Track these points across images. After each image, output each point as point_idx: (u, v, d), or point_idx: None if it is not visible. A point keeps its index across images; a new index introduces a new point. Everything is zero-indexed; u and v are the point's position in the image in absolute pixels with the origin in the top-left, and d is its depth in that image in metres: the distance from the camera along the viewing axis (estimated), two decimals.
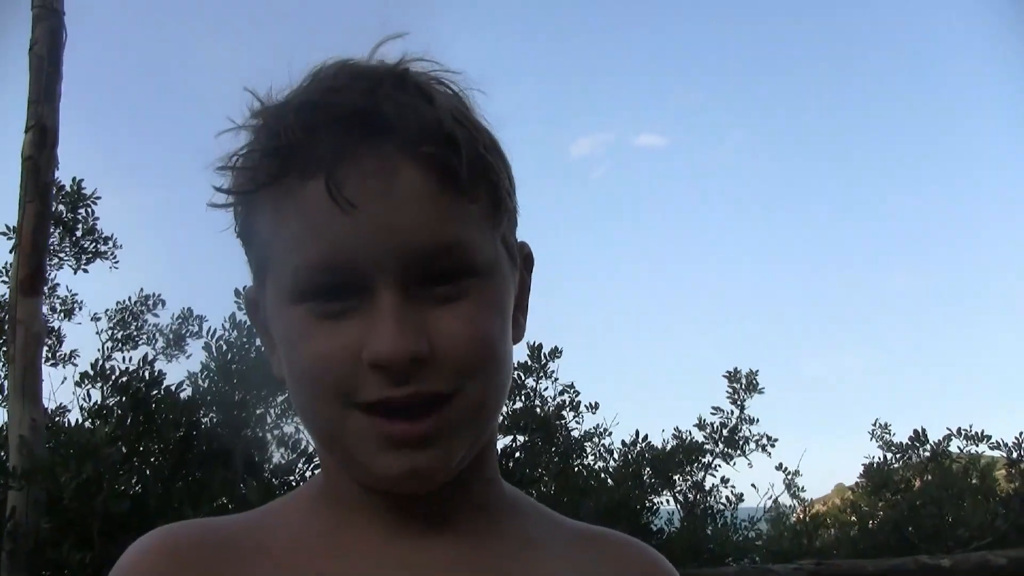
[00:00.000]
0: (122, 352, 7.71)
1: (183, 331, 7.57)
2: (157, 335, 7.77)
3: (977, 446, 9.07)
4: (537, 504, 1.16)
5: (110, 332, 7.88)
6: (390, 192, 0.92)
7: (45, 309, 6.79)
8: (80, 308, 8.35)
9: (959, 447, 9.15)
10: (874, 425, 9.63)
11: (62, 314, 8.30)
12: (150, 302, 8.06)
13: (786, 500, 9.18)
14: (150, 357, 6.86)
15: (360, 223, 0.91)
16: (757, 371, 8.78)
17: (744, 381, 8.75)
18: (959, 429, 9.07)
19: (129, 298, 8.08)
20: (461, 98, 1.01)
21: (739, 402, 8.76)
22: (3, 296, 7.60)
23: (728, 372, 8.82)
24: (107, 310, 8.04)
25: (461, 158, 0.94)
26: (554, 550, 1.08)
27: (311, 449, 6.25)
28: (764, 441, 8.74)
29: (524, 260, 1.10)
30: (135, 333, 7.91)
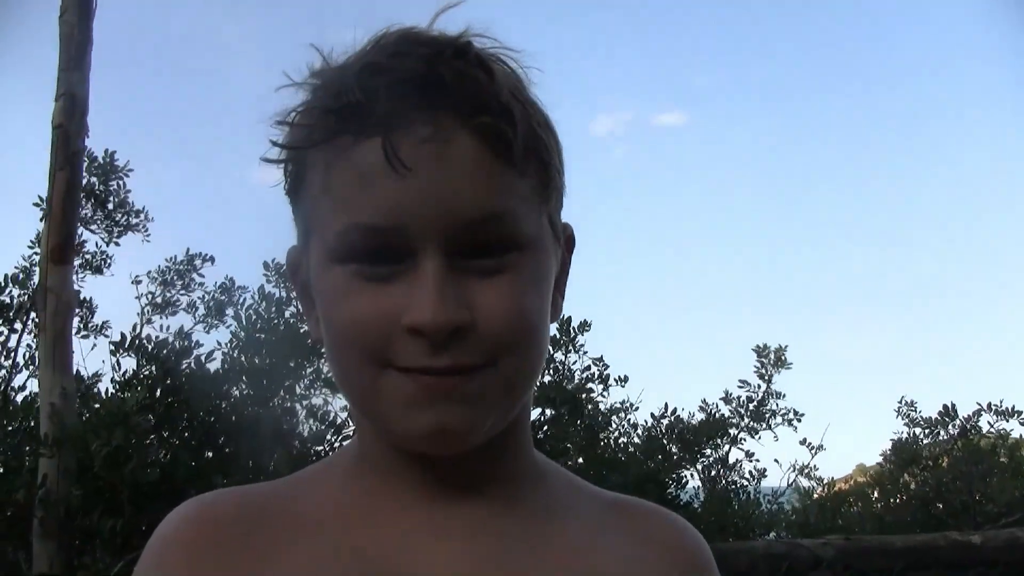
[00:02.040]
0: (162, 317, 7.68)
1: (224, 300, 7.54)
2: (198, 302, 7.74)
3: (1008, 421, 9.01)
4: (568, 474, 1.17)
5: (150, 296, 7.85)
6: (444, 159, 0.92)
7: (76, 265, 6.79)
8: (109, 264, 8.22)
9: (989, 423, 9.09)
10: (900, 402, 9.61)
11: (91, 270, 8.14)
12: (197, 261, 7.95)
13: (804, 482, 9.18)
14: (187, 328, 6.89)
15: (412, 187, 0.91)
16: (786, 346, 8.79)
17: (772, 356, 8.74)
18: (989, 404, 9.02)
19: (175, 256, 7.99)
20: (519, 76, 1.01)
21: (767, 376, 8.75)
22: (30, 260, 7.61)
23: (757, 347, 8.83)
24: (148, 272, 7.97)
25: (516, 131, 0.94)
26: (583, 518, 1.09)
27: (340, 420, 6.28)
28: (791, 416, 8.75)
29: (566, 241, 1.11)
30: (176, 296, 7.83)
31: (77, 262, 7.23)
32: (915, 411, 9.50)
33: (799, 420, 8.75)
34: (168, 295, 7.88)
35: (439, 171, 0.92)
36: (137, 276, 7.96)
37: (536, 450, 1.14)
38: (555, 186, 1.03)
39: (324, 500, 1.05)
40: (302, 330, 6.08)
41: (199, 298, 7.80)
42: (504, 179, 0.95)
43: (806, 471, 9.12)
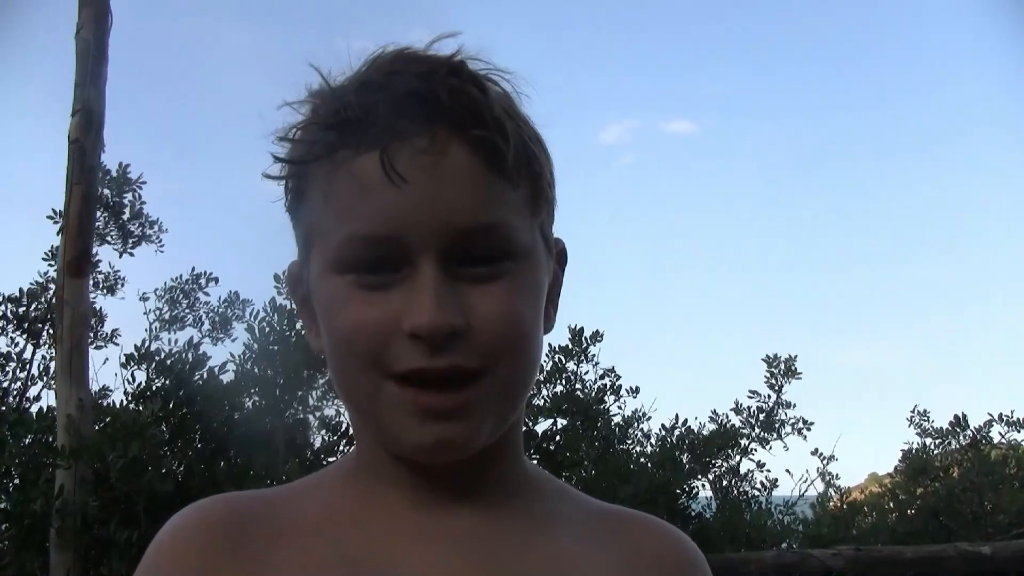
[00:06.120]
0: (169, 332, 7.72)
1: (229, 314, 7.60)
2: (203, 317, 7.79)
3: (1019, 432, 8.99)
4: (560, 484, 1.20)
5: (158, 312, 7.88)
6: (439, 170, 0.96)
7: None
8: (122, 285, 8.24)
9: (1000, 433, 9.06)
10: (912, 412, 9.57)
11: (104, 290, 8.18)
12: (201, 280, 8.00)
13: (820, 487, 9.15)
14: (196, 340, 6.93)
15: (409, 198, 0.96)
16: (796, 356, 8.77)
17: (783, 366, 8.72)
18: (1000, 415, 9.00)
19: (180, 276, 8.03)
20: (509, 94, 1.05)
21: (776, 387, 8.74)
22: (46, 275, 7.65)
23: (767, 357, 8.81)
24: (156, 289, 7.98)
25: (508, 144, 0.99)
26: (572, 526, 1.11)
27: (352, 431, 6.29)
28: (800, 425, 8.72)
29: (558, 256, 1.15)
30: (183, 313, 7.85)
31: (90, 281, 7.25)
32: (927, 421, 9.49)
33: (808, 429, 8.72)
34: (175, 312, 7.92)
35: (434, 182, 0.96)
36: (144, 293, 8.00)
37: (529, 461, 1.17)
38: (546, 199, 1.08)
39: (317, 505, 1.08)
40: None
41: (204, 313, 7.87)
42: (497, 190, 0.99)
43: (826, 477, 9.10)
